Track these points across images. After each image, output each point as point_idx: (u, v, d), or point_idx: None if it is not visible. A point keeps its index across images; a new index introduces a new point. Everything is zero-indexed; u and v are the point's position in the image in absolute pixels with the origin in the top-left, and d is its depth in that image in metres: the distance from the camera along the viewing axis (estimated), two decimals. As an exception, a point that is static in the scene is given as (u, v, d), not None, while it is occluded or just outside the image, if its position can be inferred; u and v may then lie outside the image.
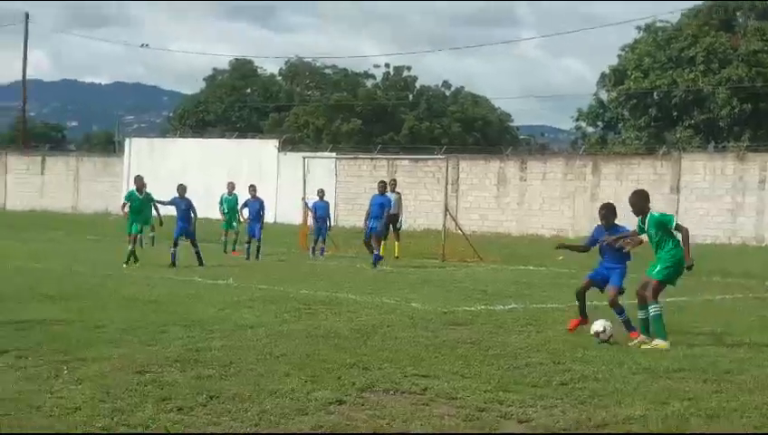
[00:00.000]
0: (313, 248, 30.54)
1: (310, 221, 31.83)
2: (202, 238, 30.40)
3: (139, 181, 26.34)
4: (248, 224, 29.32)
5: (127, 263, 24.20)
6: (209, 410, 8.54)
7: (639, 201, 14.14)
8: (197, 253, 25.11)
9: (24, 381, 9.46)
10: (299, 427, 8.09)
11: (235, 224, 31.44)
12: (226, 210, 31.52)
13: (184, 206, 25.92)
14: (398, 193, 32.29)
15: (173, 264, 24.46)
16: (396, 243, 30.95)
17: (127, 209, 25.64)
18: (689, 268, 13.53)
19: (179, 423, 8.00)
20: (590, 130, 77.18)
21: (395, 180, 33.50)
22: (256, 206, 29.54)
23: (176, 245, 25.00)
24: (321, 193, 31.72)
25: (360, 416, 8.63)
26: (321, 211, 31.21)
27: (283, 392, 9.32)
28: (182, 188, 26.14)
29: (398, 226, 31.34)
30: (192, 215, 26.03)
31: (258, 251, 28.51)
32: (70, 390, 9.12)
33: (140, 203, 25.67)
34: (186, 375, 10.02)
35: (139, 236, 25.80)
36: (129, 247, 24.60)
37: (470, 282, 22.95)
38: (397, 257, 29.98)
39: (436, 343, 12.96)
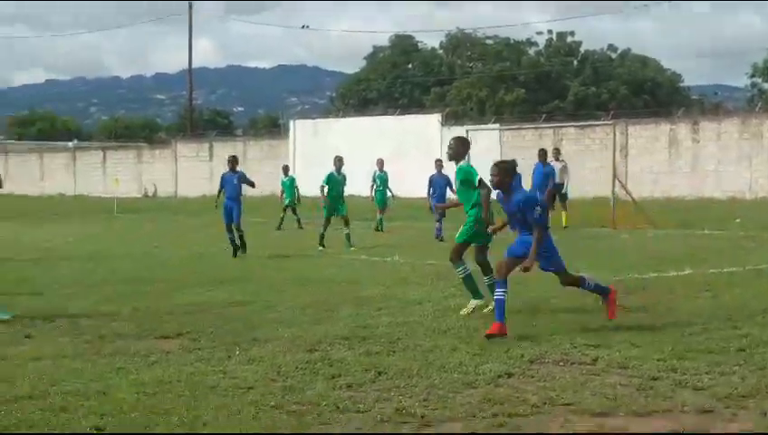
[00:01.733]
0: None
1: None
2: (367, 217, 30.73)
3: (339, 162, 25.44)
4: (433, 201, 27.09)
5: (322, 245, 23.60)
6: (378, 387, 8.59)
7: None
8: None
9: (199, 363, 9.67)
10: (468, 400, 8.06)
11: (387, 202, 31.55)
12: (381, 187, 31.49)
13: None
14: (564, 162, 31.80)
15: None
16: (563, 212, 30.55)
17: (326, 192, 24.88)
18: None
19: (349, 400, 8.05)
20: (767, 86, 74.70)
21: (558, 149, 32.98)
22: (442, 182, 27.93)
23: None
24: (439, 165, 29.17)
25: (529, 388, 8.55)
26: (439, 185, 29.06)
27: (450, 367, 9.31)
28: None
29: (563, 195, 30.90)
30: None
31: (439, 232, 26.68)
32: (242, 370, 9.29)
33: (339, 184, 24.91)
34: (355, 352, 10.10)
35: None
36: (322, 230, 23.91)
37: (642, 248, 22.56)
38: (565, 227, 29.60)
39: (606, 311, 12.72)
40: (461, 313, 12.67)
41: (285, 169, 34.99)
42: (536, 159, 30.02)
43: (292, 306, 13.55)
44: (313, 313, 12.98)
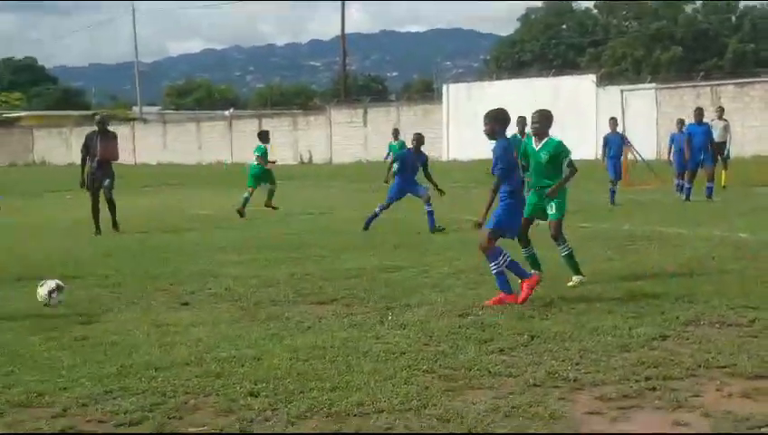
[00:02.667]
0: (679, 185, 27.21)
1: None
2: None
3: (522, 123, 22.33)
4: (609, 161, 26.41)
5: None
6: (530, 351, 8.62)
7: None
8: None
9: (352, 328, 9.81)
10: (621, 363, 8.03)
11: None
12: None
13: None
14: (726, 121, 30.98)
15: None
16: (723, 172, 29.86)
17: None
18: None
19: (501, 364, 8.11)
20: None
21: (721, 108, 32.10)
22: (617, 140, 27.14)
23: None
24: (681, 124, 27.84)
25: (684, 350, 8.47)
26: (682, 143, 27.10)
27: (604, 329, 9.27)
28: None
29: (725, 155, 30.15)
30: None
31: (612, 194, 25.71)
32: (395, 335, 9.39)
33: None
34: (507, 316, 10.13)
35: None
36: None
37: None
38: (724, 187, 28.98)
39: (765, 273, 12.49)
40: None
41: (395, 133, 34.24)
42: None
43: (446, 271, 13.63)
44: (467, 277, 13.02)
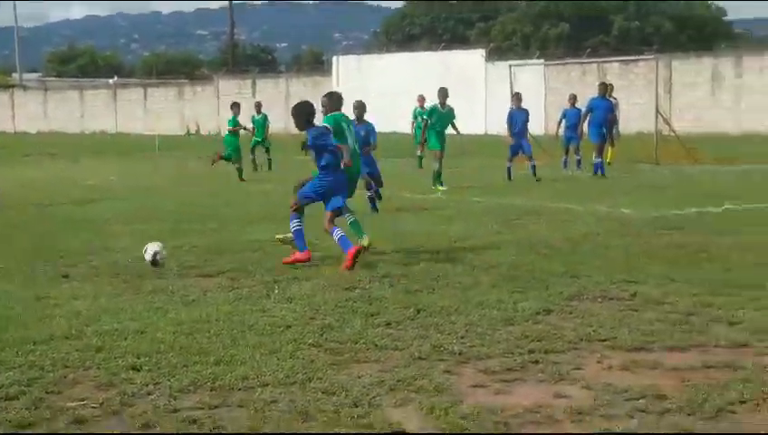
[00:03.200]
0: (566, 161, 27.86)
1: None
2: (395, 155, 30.72)
3: (443, 95, 23.25)
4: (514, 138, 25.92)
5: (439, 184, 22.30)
6: (417, 324, 8.65)
7: None
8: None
9: (237, 302, 9.75)
10: (505, 337, 8.11)
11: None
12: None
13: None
14: (615, 99, 31.37)
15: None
16: (610, 149, 30.25)
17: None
18: None
19: (387, 338, 8.13)
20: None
21: (611, 85, 32.40)
22: (522, 117, 26.21)
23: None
24: (572, 99, 28.43)
25: (567, 324, 8.60)
26: (573, 119, 27.76)
27: (489, 303, 9.36)
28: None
29: (613, 131, 30.48)
30: None
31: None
32: (281, 308, 9.36)
33: (444, 118, 22.99)
34: (394, 290, 10.17)
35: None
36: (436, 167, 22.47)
37: (684, 184, 22.45)
38: (609, 163, 29.42)
39: (647, 248, 12.78)
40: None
41: (258, 107, 33.53)
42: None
43: (332, 244, 13.56)
44: (353, 250, 12.97)
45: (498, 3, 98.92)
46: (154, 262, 11.76)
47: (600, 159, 26.10)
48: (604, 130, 26.85)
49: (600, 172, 25.61)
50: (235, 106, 29.48)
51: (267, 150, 31.14)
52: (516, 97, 26.67)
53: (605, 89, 27.52)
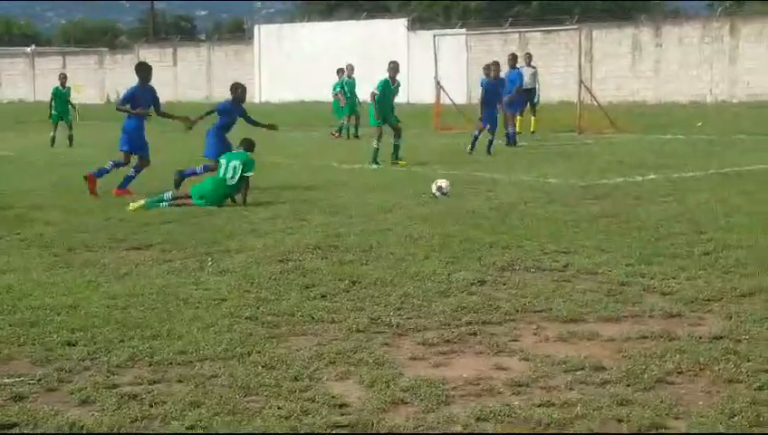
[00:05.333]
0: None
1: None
2: (321, 124, 30.63)
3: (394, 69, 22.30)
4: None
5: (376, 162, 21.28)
6: (352, 296, 8.64)
7: None
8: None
9: (170, 275, 9.66)
10: (442, 309, 8.14)
11: (357, 109, 30.88)
12: (349, 94, 31.08)
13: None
14: (534, 67, 31.51)
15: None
16: (532, 118, 30.43)
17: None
18: None
19: (323, 310, 8.11)
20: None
21: (530, 54, 32.55)
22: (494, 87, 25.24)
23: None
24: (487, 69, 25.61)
25: (502, 295, 8.64)
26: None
27: (424, 275, 9.38)
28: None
29: (534, 100, 30.65)
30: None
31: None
32: (215, 281, 9.30)
33: (392, 92, 22.19)
34: (328, 262, 10.14)
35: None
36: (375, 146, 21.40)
37: (608, 154, 22.65)
38: (533, 132, 29.63)
39: (576, 218, 12.88)
40: None
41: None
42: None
43: (263, 216, 13.54)
44: (285, 222, 12.95)
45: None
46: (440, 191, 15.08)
47: (513, 129, 26.19)
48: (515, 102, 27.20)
49: (512, 141, 25.68)
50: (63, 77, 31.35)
51: (70, 126, 29.66)
52: (495, 66, 25.30)
53: (515, 60, 27.91)
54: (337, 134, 30.62)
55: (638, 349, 6.96)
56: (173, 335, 7.40)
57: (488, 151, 23.27)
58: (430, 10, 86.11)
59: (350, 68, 31.70)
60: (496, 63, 24.92)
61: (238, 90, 17.24)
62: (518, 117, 28.38)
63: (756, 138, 26.64)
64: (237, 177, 14.73)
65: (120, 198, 15.57)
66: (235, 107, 17.13)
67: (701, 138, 27.15)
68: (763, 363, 6.55)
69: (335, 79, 32.17)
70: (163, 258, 10.56)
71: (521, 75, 28.39)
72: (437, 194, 15.20)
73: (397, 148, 21.52)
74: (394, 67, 22.19)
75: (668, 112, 39.43)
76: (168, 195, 14.87)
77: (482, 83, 25.08)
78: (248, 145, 15.44)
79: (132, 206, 14.40)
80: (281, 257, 10.38)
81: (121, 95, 17.71)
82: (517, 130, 26.93)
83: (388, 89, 21.94)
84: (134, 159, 16.73)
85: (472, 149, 23.50)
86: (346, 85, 31.13)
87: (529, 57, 31.64)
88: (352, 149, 25.74)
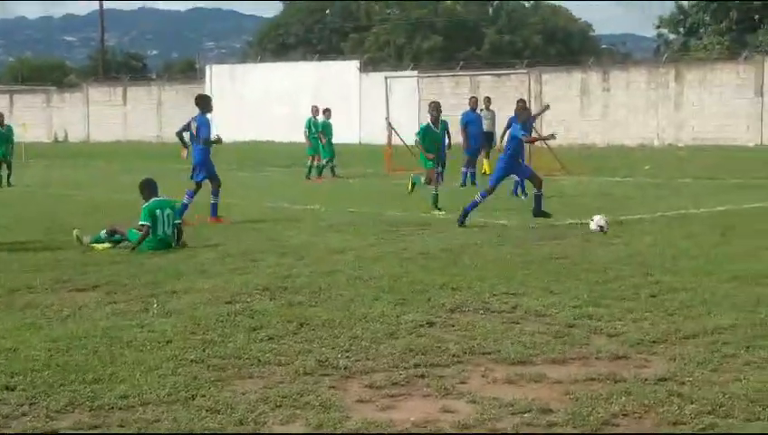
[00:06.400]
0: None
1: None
2: (287, 164, 30.56)
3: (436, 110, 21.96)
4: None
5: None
6: (300, 338, 8.56)
7: None
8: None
9: (115, 316, 9.52)
10: (390, 351, 8.07)
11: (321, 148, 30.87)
12: (315, 134, 30.95)
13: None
14: (493, 111, 31.67)
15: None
16: (485, 160, 30.54)
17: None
18: None
19: (270, 352, 8.02)
20: (672, 37, 76.22)
21: (489, 98, 32.66)
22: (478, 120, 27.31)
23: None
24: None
25: (450, 337, 8.59)
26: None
27: (373, 317, 9.31)
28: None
29: (493, 143, 30.70)
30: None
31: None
32: (160, 323, 9.16)
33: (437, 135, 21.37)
34: (276, 303, 10.05)
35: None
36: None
37: (557, 195, 22.71)
38: (484, 173, 29.73)
39: (525, 259, 12.88)
40: None
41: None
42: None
43: (212, 257, 13.43)
44: (234, 262, 12.86)
45: (372, 13, 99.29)
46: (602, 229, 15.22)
47: (467, 169, 26.49)
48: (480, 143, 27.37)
49: (467, 182, 25.97)
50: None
51: (9, 166, 29.33)
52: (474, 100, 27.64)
53: (476, 102, 28.10)
54: (316, 177, 30.34)
55: (585, 391, 6.94)
56: (115, 379, 7.27)
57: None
58: (383, 52, 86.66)
59: (316, 109, 31.43)
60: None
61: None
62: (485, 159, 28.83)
63: (702, 181, 26.94)
64: (172, 225, 14.57)
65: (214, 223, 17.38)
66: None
67: (648, 181, 27.42)
68: (707, 405, 6.56)
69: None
70: (108, 300, 10.41)
71: (479, 118, 28.46)
72: (597, 230, 15.43)
73: (436, 196, 19.65)
74: (435, 107, 20.55)
75: (617, 155, 39.86)
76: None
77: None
78: (154, 189, 15.02)
79: (99, 247, 14.24)
80: (228, 299, 10.28)
81: (204, 131, 17.80)
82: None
83: (429, 133, 20.22)
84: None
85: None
86: (313, 126, 30.91)
87: (488, 101, 31.76)
88: (304, 189, 25.68)
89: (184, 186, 18.32)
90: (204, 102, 18.06)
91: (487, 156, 30.39)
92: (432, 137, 20.21)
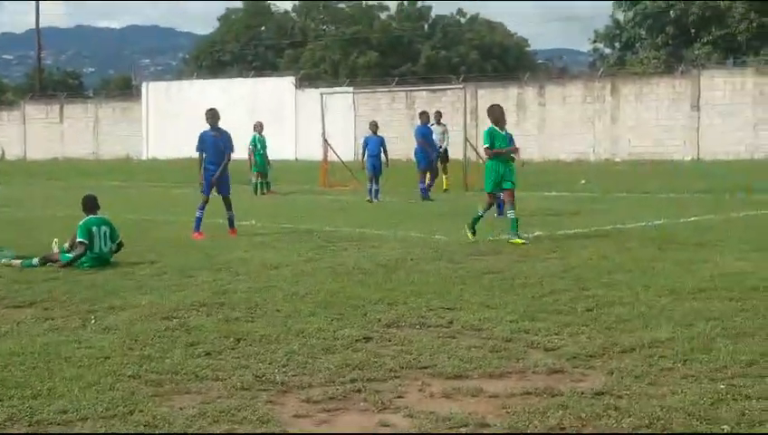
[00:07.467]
0: (370, 190, 27.03)
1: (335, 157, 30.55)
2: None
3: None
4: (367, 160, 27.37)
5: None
6: (237, 353, 8.58)
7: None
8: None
9: (52, 333, 9.49)
10: (327, 365, 8.12)
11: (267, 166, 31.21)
12: (261, 150, 31.07)
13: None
14: (444, 125, 31.99)
15: None
16: (444, 176, 30.76)
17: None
18: None
19: (208, 368, 8.04)
20: (608, 51, 76.98)
21: (440, 112, 32.94)
22: (378, 142, 27.57)
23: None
24: (374, 126, 28.29)
25: (387, 352, 8.65)
26: (374, 147, 27.72)
27: (309, 332, 9.35)
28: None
29: (445, 158, 31.02)
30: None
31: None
32: (98, 339, 9.14)
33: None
34: (213, 319, 10.06)
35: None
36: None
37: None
38: (445, 190, 30.02)
39: (461, 274, 12.97)
40: None
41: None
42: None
43: (148, 273, 13.41)
44: (170, 278, 12.86)
45: (307, 30, 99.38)
46: None
47: (424, 184, 26.99)
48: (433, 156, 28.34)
49: (425, 196, 26.80)
50: None
51: None
52: (373, 124, 28.31)
53: (427, 117, 28.52)
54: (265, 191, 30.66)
55: (522, 405, 7.01)
56: (54, 394, 7.26)
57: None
58: (318, 68, 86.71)
59: (260, 125, 31.61)
60: (374, 123, 26.91)
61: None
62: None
63: (637, 195, 27.27)
64: (110, 243, 14.50)
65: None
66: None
67: (585, 195, 27.69)
68: (644, 419, 6.63)
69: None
70: (45, 316, 10.36)
71: (430, 131, 28.81)
72: None
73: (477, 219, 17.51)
74: (495, 111, 18.48)
75: (553, 170, 40.17)
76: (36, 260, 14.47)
77: (365, 141, 26.67)
78: (94, 205, 15.01)
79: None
80: (166, 315, 10.27)
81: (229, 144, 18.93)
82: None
83: (496, 137, 18.10)
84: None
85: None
86: (258, 142, 31.08)
87: (439, 115, 31.97)
88: (242, 206, 25.59)
89: (123, 202, 18.23)
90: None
91: (444, 171, 30.67)
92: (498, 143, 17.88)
